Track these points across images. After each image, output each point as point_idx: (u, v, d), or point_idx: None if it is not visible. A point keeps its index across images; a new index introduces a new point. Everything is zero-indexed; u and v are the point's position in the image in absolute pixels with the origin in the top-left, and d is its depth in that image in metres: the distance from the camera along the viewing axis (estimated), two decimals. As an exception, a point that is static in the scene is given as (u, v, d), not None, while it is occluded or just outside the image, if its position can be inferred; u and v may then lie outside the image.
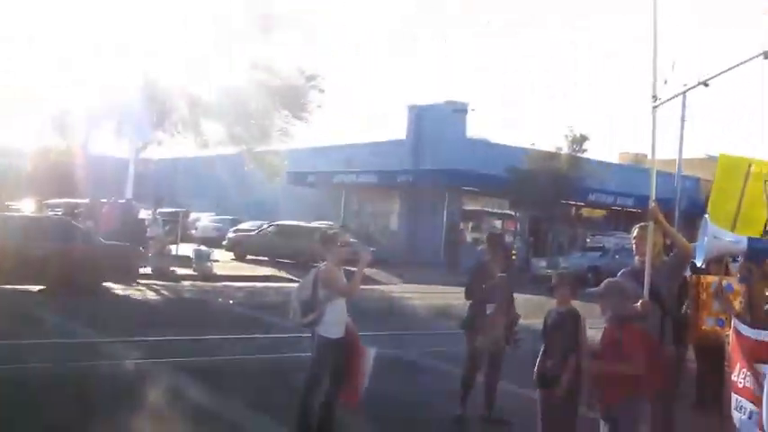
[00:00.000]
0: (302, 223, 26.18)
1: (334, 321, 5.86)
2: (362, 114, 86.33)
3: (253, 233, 27.32)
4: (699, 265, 4.88)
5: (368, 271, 17.09)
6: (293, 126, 24.85)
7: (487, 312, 6.94)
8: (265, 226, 27.27)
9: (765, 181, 5.64)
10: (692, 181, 28.05)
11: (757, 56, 4.29)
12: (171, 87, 22.20)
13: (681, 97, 5.58)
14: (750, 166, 5.83)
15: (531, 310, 8.11)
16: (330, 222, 23.82)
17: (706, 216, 4.96)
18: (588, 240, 29.49)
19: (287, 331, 8.91)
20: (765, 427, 3.80)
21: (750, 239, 4.34)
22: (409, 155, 32.46)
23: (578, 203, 33.01)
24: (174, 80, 22.21)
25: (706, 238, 4.47)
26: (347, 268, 6.11)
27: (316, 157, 34.49)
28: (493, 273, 7.07)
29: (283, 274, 21.20)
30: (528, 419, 5.80)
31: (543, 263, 26.38)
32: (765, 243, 4.13)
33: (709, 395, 7.45)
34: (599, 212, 34.80)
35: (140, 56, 21.48)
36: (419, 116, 33.26)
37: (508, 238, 31.08)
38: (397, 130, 35.20)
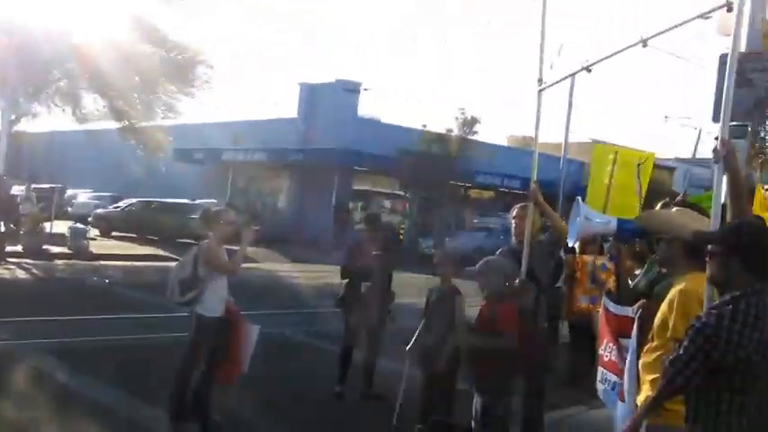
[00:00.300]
0: (169, 200, 26.00)
1: (214, 300, 5.72)
2: (253, 92, 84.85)
3: (118, 210, 26.87)
4: (571, 244, 5.07)
5: (253, 250, 16.90)
6: (180, 101, 24.06)
7: (362, 291, 6.99)
8: (132, 202, 26.82)
9: (637, 166, 5.92)
10: (577, 164, 29.16)
11: (636, 44, 4.46)
12: (48, 58, 20.87)
13: (568, 83, 5.76)
14: (616, 154, 6.13)
15: (417, 288, 8.23)
16: (214, 201, 23.19)
17: (578, 198, 5.16)
18: (475, 221, 30.20)
19: (164, 311, 8.61)
20: (626, 397, 4.00)
21: (619, 220, 4.51)
22: (300, 133, 32.08)
23: (467, 185, 33.65)
24: (51, 51, 20.87)
25: (578, 219, 4.59)
26: (230, 247, 5.96)
27: (203, 133, 33.48)
28: (369, 251, 7.11)
29: (162, 252, 20.59)
30: (407, 395, 5.88)
31: (430, 243, 26.87)
32: (633, 224, 4.30)
33: (581, 370, 7.82)
34: (487, 194, 35.55)
35: (14, 22, 20.02)
36: (310, 94, 32.90)
37: (397, 219, 31.46)
38: (289, 108, 34.78)
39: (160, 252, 20.78)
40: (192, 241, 23.40)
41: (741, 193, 3.45)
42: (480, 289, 5.13)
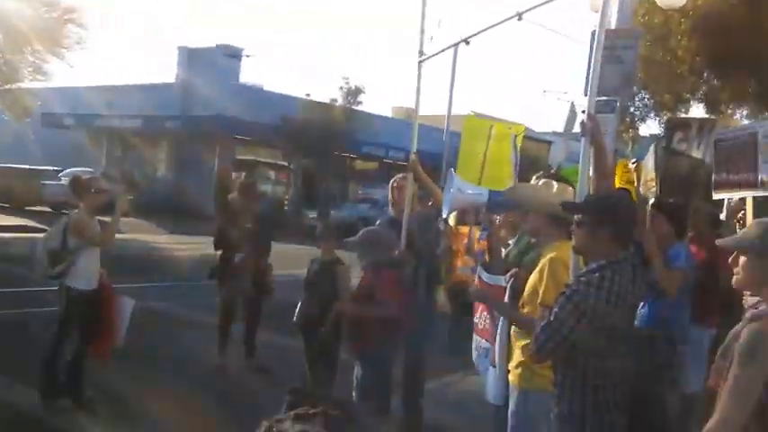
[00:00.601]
0: (19, 165, 25.22)
1: (85, 273, 5.51)
2: (133, 56, 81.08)
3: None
4: (444, 216, 5.18)
5: (129, 220, 16.27)
6: (49, 63, 22.58)
7: (235, 262, 6.91)
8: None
9: (515, 137, 6.07)
10: (459, 136, 29.90)
11: (512, 17, 4.60)
12: None
13: (451, 56, 5.85)
14: (491, 128, 6.28)
15: (302, 260, 8.20)
16: (89, 169, 22.12)
17: (452, 170, 5.28)
18: (360, 192, 30.37)
19: (32, 285, 8.17)
20: (497, 362, 4.18)
21: (491, 192, 4.60)
22: (178, 100, 31.02)
23: (351, 155, 33.72)
24: None
25: (452, 191, 4.68)
26: (103, 218, 5.72)
27: (75, 97, 31.72)
28: (242, 222, 7.02)
29: (33, 223, 19.42)
30: (291, 366, 5.90)
31: (314, 214, 26.82)
32: (504, 195, 4.44)
33: (459, 339, 8.08)
34: (371, 165, 35.78)
35: None
36: (190, 59, 31.80)
37: (281, 189, 31.16)
38: (167, 73, 33.49)
39: (32, 223, 19.59)
40: (48, 209, 22.88)
41: (605, 166, 3.62)
42: (360, 259, 5.18)
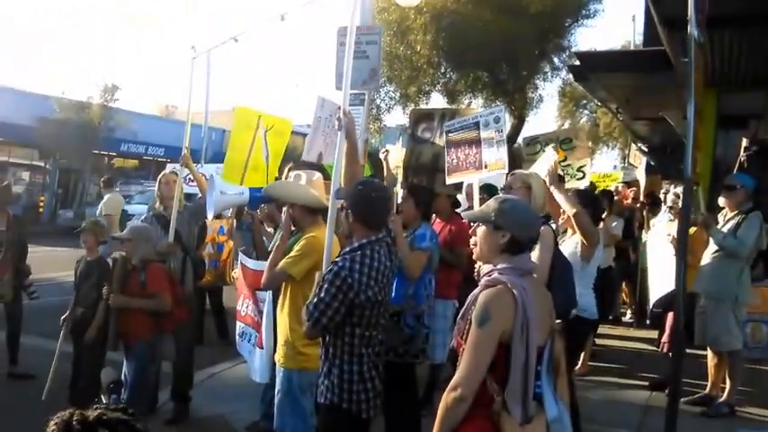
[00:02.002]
0: None
1: None
2: None
3: None
4: (210, 219, 5.22)
5: None
6: None
7: None
8: None
9: (266, 131, 6.26)
10: (219, 132, 29.48)
11: (275, 17, 4.84)
12: None
13: (214, 52, 5.97)
14: (259, 118, 6.41)
15: (59, 262, 7.79)
16: None
17: (212, 174, 5.39)
18: (117, 190, 28.82)
19: None
20: (264, 344, 4.37)
21: (251, 189, 4.78)
22: None
23: (110, 153, 32.11)
24: None
25: (214, 194, 4.75)
26: None
27: None
28: None
29: None
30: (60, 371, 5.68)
31: (70, 214, 25.38)
32: (260, 191, 4.59)
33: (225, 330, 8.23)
34: (132, 162, 34.32)
35: None
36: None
37: (36, 191, 28.92)
38: None
39: None
40: None
41: (355, 157, 3.93)
42: (129, 255, 5.10)
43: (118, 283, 5.04)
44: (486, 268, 2.77)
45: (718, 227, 6.01)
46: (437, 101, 19.16)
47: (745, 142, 8.43)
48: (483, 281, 2.71)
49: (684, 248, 4.15)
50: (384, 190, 3.49)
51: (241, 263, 4.88)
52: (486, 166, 5.23)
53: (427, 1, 15.57)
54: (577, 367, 7.04)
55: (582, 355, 7.15)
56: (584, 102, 28.54)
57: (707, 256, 6.09)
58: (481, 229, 2.80)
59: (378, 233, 3.34)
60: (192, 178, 6.39)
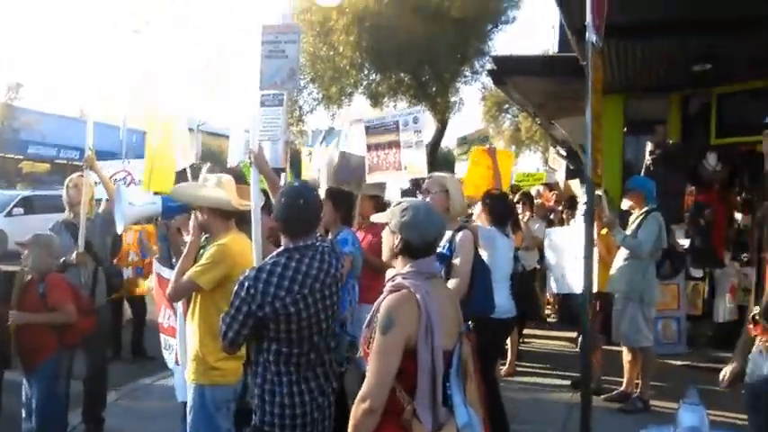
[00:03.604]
0: None
1: None
2: None
3: None
4: (120, 231, 4.90)
5: None
6: None
7: None
8: None
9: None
10: (140, 134, 28.70)
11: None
12: None
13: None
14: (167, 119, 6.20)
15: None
16: None
17: (119, 184, 5.15)
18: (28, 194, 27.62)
19: None
20: (179, 359, 4.20)
21: (164, 198, 4.46)
22: None
23: (18, 157, 30.77)
24: None
25: (123, 205, 4.48)
26: None
27: None
28: None
29: None
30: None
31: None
32: (173, 200, 4.37)
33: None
34: (43, 167, 32.95)
35: None
36: None
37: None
38: None
39: None
40: None
41: (273, 179, 3.94)
42: (30, 265, 4.78)
43: (17, 298, 4.68)
44: (389, 273, 2.77)
45: (629, 228, 6.26)
46: (360, 102, 19.23)
47: (650, 146, 8.82)
48: (387, 286, 2.70)
49: (591, 249, 4.25)
50: (308, 194, 3.23)
51: (157, 273, 4.70)
52: (405, 168, 5.28)
53: (349, 2, 15.59)
54: (504, 368, 7.19)
55: (509, 356, 7.30)
56: (507, 106, 29.16)
57: (619, 258, 6.32)
58: (385, 232, 2.82)
59: (305, 239, 3.14)
60: (98, 181, 5.95)
